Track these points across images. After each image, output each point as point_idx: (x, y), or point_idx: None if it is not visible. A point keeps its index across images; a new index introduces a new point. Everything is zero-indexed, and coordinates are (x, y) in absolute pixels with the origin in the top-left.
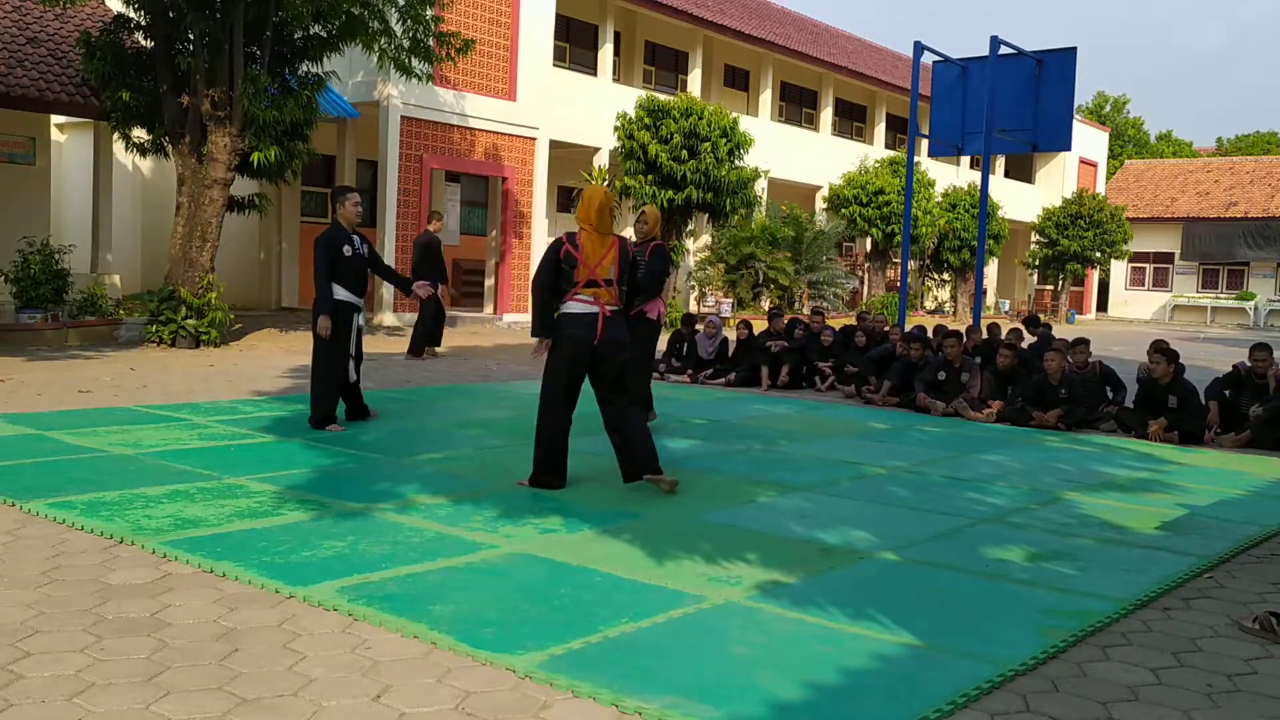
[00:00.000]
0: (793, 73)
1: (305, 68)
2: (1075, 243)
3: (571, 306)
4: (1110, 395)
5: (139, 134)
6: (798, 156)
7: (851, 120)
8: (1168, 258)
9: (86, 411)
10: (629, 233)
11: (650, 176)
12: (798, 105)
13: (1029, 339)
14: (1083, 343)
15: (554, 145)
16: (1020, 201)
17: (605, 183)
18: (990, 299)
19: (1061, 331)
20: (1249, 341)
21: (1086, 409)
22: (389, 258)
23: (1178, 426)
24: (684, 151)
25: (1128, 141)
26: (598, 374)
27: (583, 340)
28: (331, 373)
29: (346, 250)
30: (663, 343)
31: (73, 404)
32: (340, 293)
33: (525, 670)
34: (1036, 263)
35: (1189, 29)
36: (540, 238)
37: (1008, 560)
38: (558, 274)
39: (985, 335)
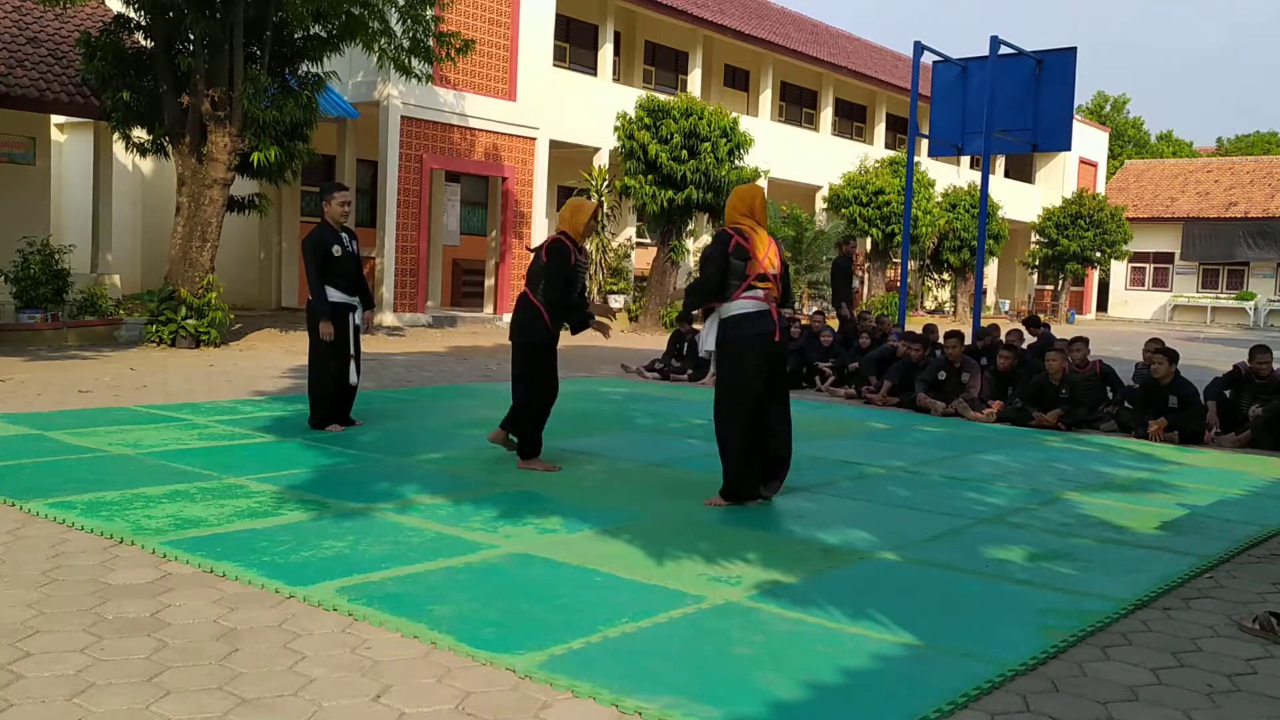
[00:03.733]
0: (793, 73)
1: (305, 68)
2: (1075, 243)
3: (743, 306)
4: (1110, 395)
5: (139, 134)
6: (798, 156)
7: (851, 120)
8: (1168, 258)
9: (86, 411)
10: (629, 233)
11: (650, 176)
12: (798, 105)
13: (1029, 339)
14: (1080, 341)
15: (554, 145)
16: (1020, 201)
17: (605, 183)
18: (990, 299)
19: (1061, 331)
20: (1249, 341)
21: (1087, 409)
22: (389, 258)
23: (1178, 426)
24: (684, 151)
25: (1128, 141)
26: (773, 376)
27: (768, 337)
28: (328, 375)
29: (336, 250)
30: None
31: (73, 404)
32: (334, 294)
33: (525, 670)
34: (1036, 263)
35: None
36: (540, 238)
37: (1008, 560)
38: (727, 271)
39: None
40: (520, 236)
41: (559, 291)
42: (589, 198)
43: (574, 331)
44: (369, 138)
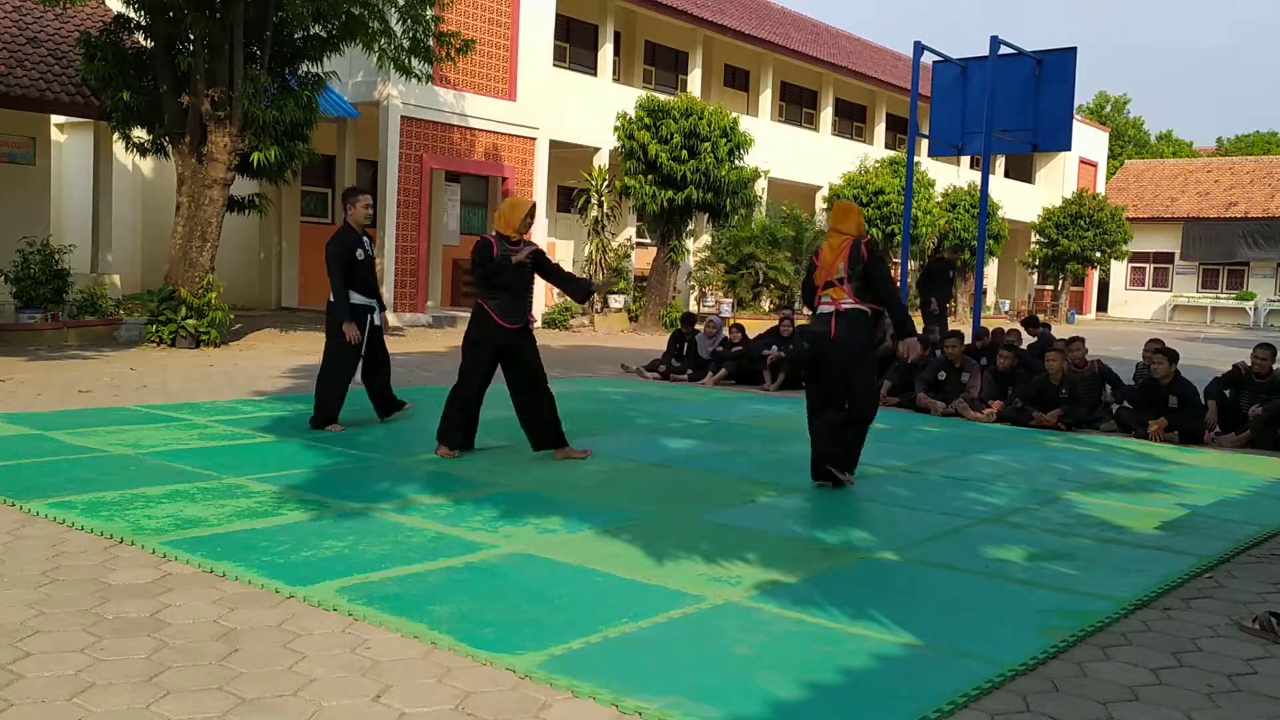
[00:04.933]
0: (793, 73)
1: (305, 68)
2: (1075, 243)
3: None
4: (1110, 392)
5: (139, 134)
6: (798, 156)
7: (851, 120)
8: (1168, 258)
9: (86, 411)
10: (629, 233)
11: (650, 176)
12: (798, 105)
13: (1029, 339)
14: (1078, 340)
15: (554, 145)
16: (1020, 201)
17: (605, 183)
18: (990, 299)
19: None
20: (1249, 341)
21: (1087, 409)
22: (389, 259)
23: (1178, 426)
24: (684, 151)
25: (1128, 141)
26: (821, 375)
27: (820, 337)
28: (343, 376)
29: (359, 253)
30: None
31: (73, 404)
32: (355, 296)
33: (525, 670)
34: (1036, 263)
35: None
36: (540, 238)
37: (1008, 560)
38: (807, 286)
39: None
40: None
41: (480, 284)
42: (594, 198)
43: (580, 300)
44: (369, 138)
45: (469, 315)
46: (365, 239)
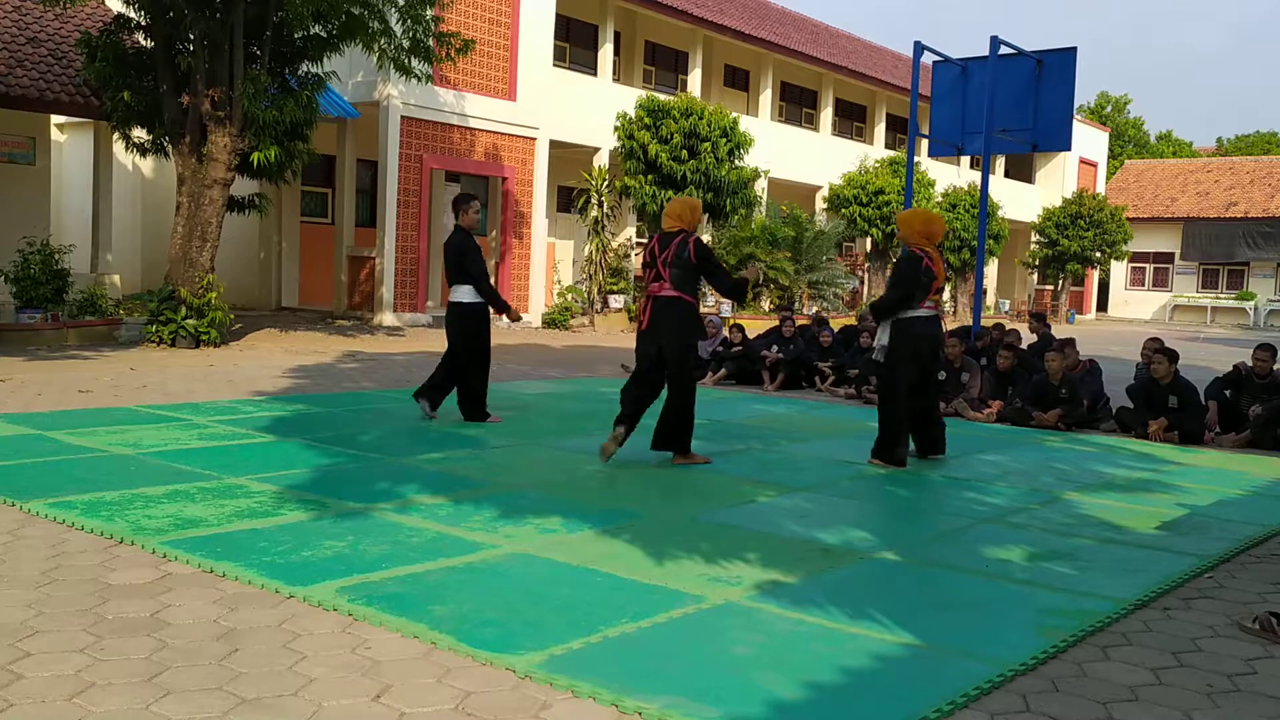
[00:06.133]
0: (793, 73)
1: (305, 68)
2: (1075, 243)
3: (920, 311)
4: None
5: (139, 134)
6: (798, 156)
7: (851, 120)
8: (1168, 258)
9: (86, 411)
10: (629, 233)
11: (650, 176)
12: (798, 105)
13: (1029, 339)
14: (1069, 344)
15: (554, 145)
16: (1020, 201)
17: (605, 183)
18: (990, 299)
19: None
20: (1249, 341)
21: (1087, 408)
22: (389, 258)
23: (1178, 426)
24: (684, 151)
25: (1128, 141)
26: (929, 370)
27: (935, 339)
28: (481, 370)
29: None
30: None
31: (73, 404)
32: (469, 295)
33: (525, 670)
34: (1036, 263)
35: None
36: (540, 238)
37: (1008, 560)
38: (917, 286)
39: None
40: (520, 237)
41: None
42: (594, 198)
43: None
44: (369, 138)
45: None
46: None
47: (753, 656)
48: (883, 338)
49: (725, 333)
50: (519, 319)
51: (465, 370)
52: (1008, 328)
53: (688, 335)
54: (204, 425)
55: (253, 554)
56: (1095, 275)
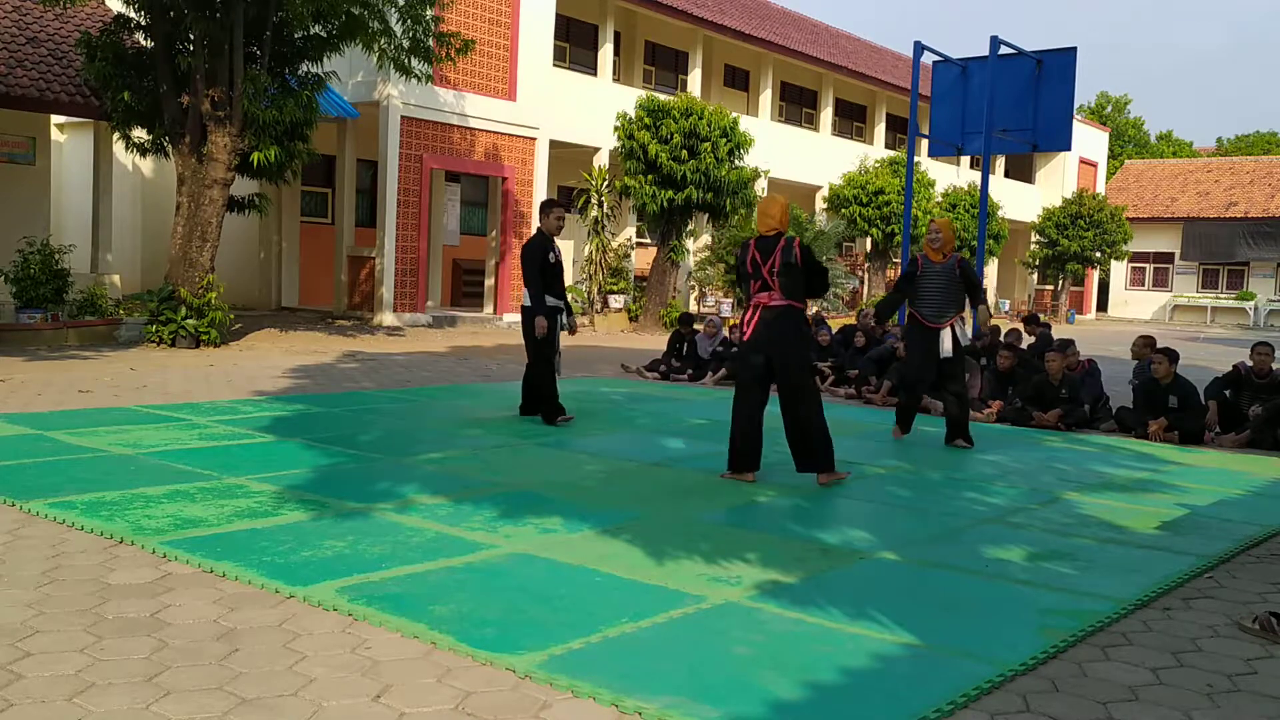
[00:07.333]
0: (793, 73)
1: (305, 68)
2: (1075, 243)
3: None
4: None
5: (139, 134)
6: (798, 156)
7: (851, 120)
8: (1168, 258)
9: (86, 411)
10: (629, 233)
11: (650, 176)
12: (798, 105)
13: (1028, 339)
14: (1069, 344)
15: (554, 145)
16: (1020, 201)
17: (605, 183)
18: (990, 299)
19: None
20: (1249, 341)
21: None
22: (389, 258)
23: (1178, 426)
24: (684, 151)
25: (1128, 141)
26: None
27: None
28: (550, 369)
29: (550, 257)
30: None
31: (73, 404)
32: (547, 298)
33: (525, 670)
34: (1036, 263)
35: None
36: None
37: (1008, 560)
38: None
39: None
40: (520, 236)
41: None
42: (594, 198)
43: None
44: (369, 138)
45: (470, 315)
46: (557, 247)
47: (753, 656)
48: (962, 337)
49: (725, 333)
50: (573, 329)
51: (530, 369)
52: (1007, 328)
53: (807, 347)
54: (204, 425)
55: (253, 554)
56: (1095, 275)
